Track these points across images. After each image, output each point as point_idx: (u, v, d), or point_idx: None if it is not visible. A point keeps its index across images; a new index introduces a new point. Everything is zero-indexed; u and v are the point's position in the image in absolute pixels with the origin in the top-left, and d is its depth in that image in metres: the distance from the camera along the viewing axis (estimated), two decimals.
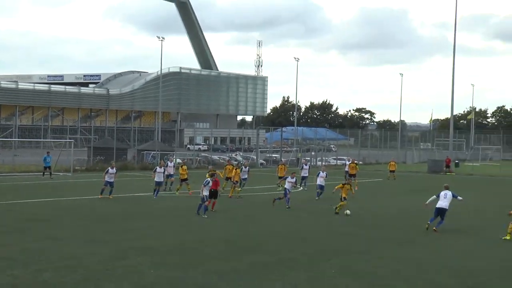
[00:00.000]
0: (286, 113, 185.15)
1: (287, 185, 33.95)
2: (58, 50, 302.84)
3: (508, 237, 24.62)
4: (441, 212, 26.61)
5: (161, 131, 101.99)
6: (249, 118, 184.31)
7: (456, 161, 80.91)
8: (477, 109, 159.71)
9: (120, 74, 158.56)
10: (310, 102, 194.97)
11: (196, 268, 18.39)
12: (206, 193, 29.17)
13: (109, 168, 36.56)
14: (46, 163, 50.52)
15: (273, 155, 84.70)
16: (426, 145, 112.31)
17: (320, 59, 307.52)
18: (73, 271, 17.45)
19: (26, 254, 19.68)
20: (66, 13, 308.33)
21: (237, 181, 38.97)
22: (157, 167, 38.19)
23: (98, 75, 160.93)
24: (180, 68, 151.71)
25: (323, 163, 45.95)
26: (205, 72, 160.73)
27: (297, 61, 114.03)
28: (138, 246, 21.56)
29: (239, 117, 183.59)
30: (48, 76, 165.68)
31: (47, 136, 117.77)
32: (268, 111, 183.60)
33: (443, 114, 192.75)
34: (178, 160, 68.40)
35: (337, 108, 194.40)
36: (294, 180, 34.35)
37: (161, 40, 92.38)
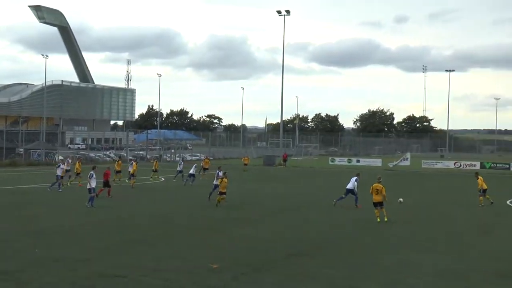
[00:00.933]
0: (151, 118, 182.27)
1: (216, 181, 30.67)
2: None
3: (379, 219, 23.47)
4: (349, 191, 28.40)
5: (46, 133, 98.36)
6: (120, 123, 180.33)
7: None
8: (300, 116, 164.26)
9: (9, 85, 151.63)
10: (170, 110, 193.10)
11: (75, 246, 17.69)
12: (93, 185, 27.54)
13: None
14: None
15: (140, 152, 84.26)
16: (262, 143, 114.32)
17: (178, 75, 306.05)
18: None
19: None
20: None
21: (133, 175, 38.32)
22: (60, 164, 36.00)
23: None
24: (62, 81, 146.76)
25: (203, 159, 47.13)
26: (83, 84, 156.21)
27: (160, 76, 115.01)
28: (25, 230, 20.50)
29: (112, 122, 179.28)
30: None
31: None
32: (136, 116, 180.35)
33: (275, 119, 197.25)
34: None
35: (192, 114, 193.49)
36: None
37: (45, 58, 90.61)
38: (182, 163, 45.92)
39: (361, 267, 15.52)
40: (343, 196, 28.95)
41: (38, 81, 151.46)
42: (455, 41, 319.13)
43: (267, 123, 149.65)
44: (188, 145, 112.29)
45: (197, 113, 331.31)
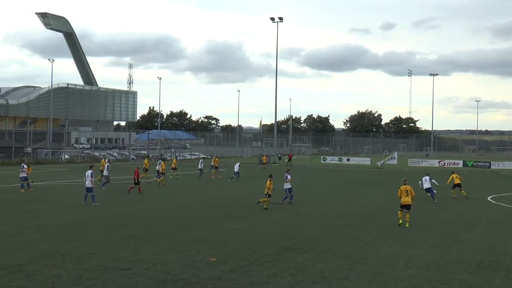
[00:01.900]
0: (151, 119, 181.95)
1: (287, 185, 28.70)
2: None
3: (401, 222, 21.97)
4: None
5: (52, 134, 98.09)
6: (123, 123, 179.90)
7: (279, 155, 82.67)
8: (293, 117, 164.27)
9: (18, 88, 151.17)
10: (170, 111, 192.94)
11: (80, 240, 17.66)
12: (88, 183, 27.05)
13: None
14: None
15: (141, 151, 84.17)
16: (257, 143, 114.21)
17: (178, 78, 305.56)
18: None
19: None
20: None
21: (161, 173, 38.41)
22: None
23: None
24: (67, 84, 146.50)
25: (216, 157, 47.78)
26: (87, 87, 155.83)
27: (160, 79, 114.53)
28: (33, 225, 20.46)
29: (115, 123, 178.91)
30: None
31: None
32: (138, 117, 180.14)
33: (269, 120, 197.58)
34: (66, 156, 65.91)
35: (191, 116, 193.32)
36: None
37: (52, 62, 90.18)
38: (202, 161, 47.62)
39: (350, 260, 15.55)
40: (432, 196, 30.34)
41: (44, 84, 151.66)
42: (438, 47, 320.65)
43: (262, 124, 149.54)
44: (187, 144, 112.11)
45: (196, 114, 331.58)
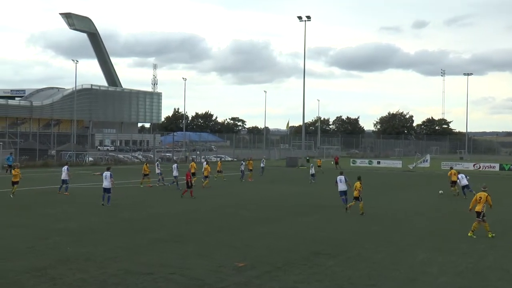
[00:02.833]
0: (176, 121, 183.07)
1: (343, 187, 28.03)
2: None
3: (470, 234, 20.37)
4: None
5: (76, 136, 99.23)
6: (147, 125, 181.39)
7: (307, 158, 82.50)
8: (321, 118, 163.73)
9: (42, 90, 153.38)
10: (196, 113, 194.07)
11: (104, 244, 17.84)
12: (106, 184, 27.68)
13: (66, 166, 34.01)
14: (9, 162, 48.77)
15: (166, 154, 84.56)
16: (285, 145, 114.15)
17: (203, 79, 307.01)
18: None
19: None
20: None
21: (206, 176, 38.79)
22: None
23: (23, 90, 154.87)
24: (91, 85, 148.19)
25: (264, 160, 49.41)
26: (111, 88, 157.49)
27: (185, 80, 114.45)
28: (57, 228, 20.73)
29: (139, 124, 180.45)
30: None
31: None
32: (162, 119, 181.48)
33: (297, 122, 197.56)
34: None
35: (216, 117, 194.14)
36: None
37: (76, 63, 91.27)
38: (244, 163, 48.63)
39: (380, 266, 15.44)
40: (464, 193, 32.58)
41: (68, 85, 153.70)
42: (472, 45, 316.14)
43: (289, 125, 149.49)
44: (212, 146, 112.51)
45: (221, 115, 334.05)
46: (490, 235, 20.07)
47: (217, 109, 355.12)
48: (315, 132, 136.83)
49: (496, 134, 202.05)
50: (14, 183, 31.05)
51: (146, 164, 39.72)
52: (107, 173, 28.12)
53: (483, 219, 20.07)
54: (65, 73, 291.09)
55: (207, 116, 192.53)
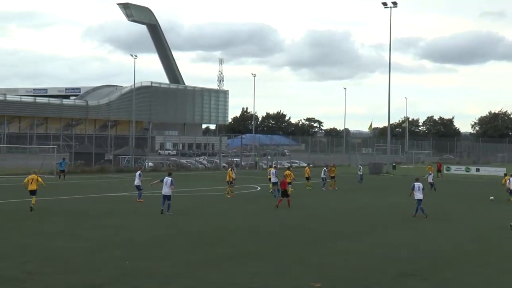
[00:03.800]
0: (245, 122, 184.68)
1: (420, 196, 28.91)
2: (43, 66, 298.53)
3: None
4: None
5: (135, 138, 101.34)
6: (212, 127, 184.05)
7: (393, 164, 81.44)
8: (410, 119, 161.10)
9: (98, 88, 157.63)
10: (266, 113, 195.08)
11: (166, 260, 18.13)
12: (166, 190, 28.43)
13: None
14: (61, 167, 50.43)
15: (234, 159, 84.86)
16: (367, 150, 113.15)
17: (275, 75, 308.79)
18: (54, 263, 17.10)
19: (15, 248, 19.31)
20: (50, 34, 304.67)
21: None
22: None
23: (78, 89, 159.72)
24: (151, 82, 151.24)
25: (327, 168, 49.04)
26: (173, 86, 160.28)
27: (254, 76, 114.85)
28: (115, 241, 21.23)
29: (204, 126, 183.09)
30: (34, 89, 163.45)
31: (33, 143, 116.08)
32: (229, 120, 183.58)
33: (381, 123, 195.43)
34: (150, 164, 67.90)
35: (289, 118, 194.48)
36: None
37: (134, 58, 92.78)
38: (326, 169, 48.30)
39: None
40: None
41: (126, 83, 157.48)
42: None
43: (373, 127, 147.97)
44: (285, 151, 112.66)
45: (295, 116, 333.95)
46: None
47: (291, 109, 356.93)
48: (402, 134, 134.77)
49: None
50: (32, 192, 28.44)
51: (230, 169, 39.59)
52: (168, 179, 28.76)
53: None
54: (123, 69, 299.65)
55: (279, 117, 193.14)
